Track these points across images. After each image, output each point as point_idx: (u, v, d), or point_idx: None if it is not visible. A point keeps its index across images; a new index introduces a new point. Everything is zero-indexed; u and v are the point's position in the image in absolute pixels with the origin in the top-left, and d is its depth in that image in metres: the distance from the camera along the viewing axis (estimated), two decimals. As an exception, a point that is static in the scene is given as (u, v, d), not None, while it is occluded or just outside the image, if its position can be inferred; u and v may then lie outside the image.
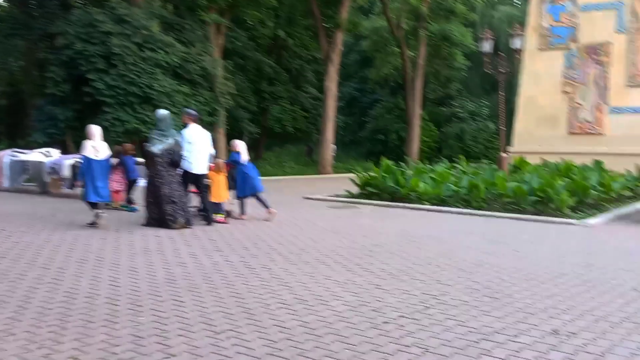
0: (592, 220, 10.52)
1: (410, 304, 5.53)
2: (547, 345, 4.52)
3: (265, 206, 10.80)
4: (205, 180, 10.36)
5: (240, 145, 11.05)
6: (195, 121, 10.35)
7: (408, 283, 6.28)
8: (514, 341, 4.59)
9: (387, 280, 6.37)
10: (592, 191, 11.96)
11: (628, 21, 19.28)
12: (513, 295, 5.85)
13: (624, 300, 5.73)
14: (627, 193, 13.29)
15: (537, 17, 20.89)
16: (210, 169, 10.43)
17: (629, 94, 19.30)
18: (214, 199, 10.46)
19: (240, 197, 10.91)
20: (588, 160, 15.98)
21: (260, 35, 33.67)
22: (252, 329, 4.77)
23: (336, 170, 27.60)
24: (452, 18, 31.86)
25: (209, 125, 19.45)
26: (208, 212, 10.18)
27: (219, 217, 10.36)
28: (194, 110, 11.35)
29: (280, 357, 4.19)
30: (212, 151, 10.66)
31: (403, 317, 5.14)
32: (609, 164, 15.68)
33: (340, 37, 27.36)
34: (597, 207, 11.81)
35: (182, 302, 5.49)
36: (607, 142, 19.14)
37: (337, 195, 14.55)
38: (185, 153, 9.87)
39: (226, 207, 10.83)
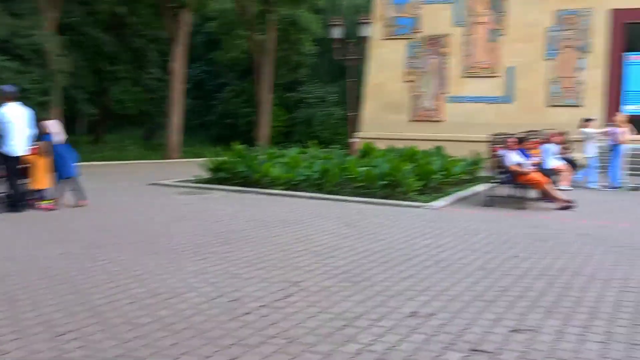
0: (437, 203, 11.00)
1: (271, 292, 5.33)
2: (408, 327, 4.54)
3: (78, 194, 10.11)
4: (23, 164, 9.49)
5: (53, 126, 10.17)
6: (12, 99, 9.39)
7: (266, 271, 6.07)
8: (376, 325, 4.56)
9: (245, 269, 6.12)
10: (436, 175, 12.54)
11: (465, 15, 20.51)
12: (371, 279, 5.86)
13: (473, 280, 5.96)
14: (466, 177, 14.13)
15: (382, 7, 21.60)
16: (32, 151, 9.53)
17: (466, 84, 20.61)
18: (35, 185, 9.60)
19: (60, 180, 10.12)
20: (430, 146, 16.82)
21: (100, 10, 31.52)
22: (99, 328, 4.30)
23: (184, 154, 26.73)
24: (300, 3, 32.04)
25: (41, 106, 17.83)
26: (17, 198, 9.33)
27: (45, 203, 9.52)
28: (11, 86, 10.17)
29: (133, 357, 3.79)
30: (32, 131, 9.72)
31: (264, 306, 4.93)
32: (449, 149, 16.64)
33: (187, 17, 26.40)
34: (440, 191, 12.40)
35: (16, 301, 4.85)
36: (446, 128, 20.32)
37: (186, 181, 13.99)
38: (3, 134, 8.95)
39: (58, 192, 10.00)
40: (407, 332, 4.45)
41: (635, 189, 13.44)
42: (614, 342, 4.36)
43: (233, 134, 33.14)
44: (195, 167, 15.10)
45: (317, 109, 35.89)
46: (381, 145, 17.73)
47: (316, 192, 12.11)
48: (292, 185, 12.69)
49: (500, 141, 11.56)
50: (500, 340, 4.33)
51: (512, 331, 4.53)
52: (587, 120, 14.71)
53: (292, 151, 16.35)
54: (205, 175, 14.10)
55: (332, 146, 22.88)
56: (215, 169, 13.85)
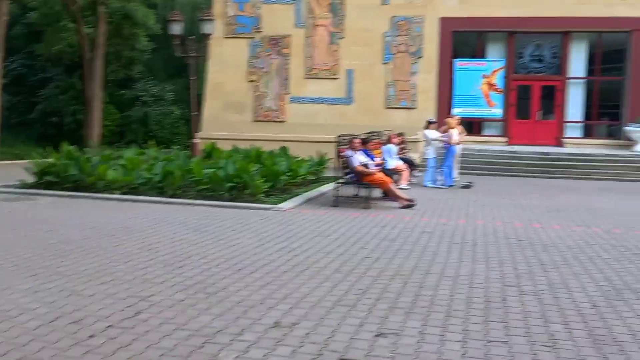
0: (286, 205, 10.88)
1: (118, 310, 4.80)
2: (273, 339, 4.30)
3: None
4: None
5: None
6: None
7: (111, 285, 5.50)
8: (239, 340, 4.27)
9: (86, 284, 5.49)
10: (283, 177, 12.44)
11: (305, 16, 20.73)
12: (228, 289, 5.53)
13: (331, 283, 5.85)
14: (311, 177, 14.20)
15: (222, 4, 21.17)
16: None
17: (307, 84, 20.84)
18: None
19: None
20: (274, 146, 16.74)
21: None
22: None
23: (3, 156, 24.21)
24: (133, -4, 30.49)
25: None
26: None
27: None
28: None
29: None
30: None
31: (111, 327, 4.41)
32: (292, 150, 16.68)
33: (3, 6, 23.92)
34: (286, 192, 12.32)
35: None
36: (289, 128, 20.39)
37: (8, 186, 12.55)
38: None
39: None
40: (272, 345, 4.20)
41: (466, 186, 14.35)
42: (472, 340, 4.44)
43: (59, 134, 30.74)
44: (18, 170, 13.61)
45: (153, 108, 34.40)
46: (224, 146, 17.34)
47: (158, 196, 11.46)
48: (131, 189, 11.90)
49: (345, 142, 11.71)
50: (366, 347, 4.24)
51: (377, 335, 4.47)
52: (431, 122, 15.46)
53: (130, 152, 15.40)
54: (30, 179, 12.76)
55: (173, 147, 22.03)
56: (42, 173, 12.58)
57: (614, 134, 20.91)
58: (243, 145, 17.10)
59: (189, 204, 10.90)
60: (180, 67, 29.37)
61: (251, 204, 10.84)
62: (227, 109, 21.06)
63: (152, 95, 34.89)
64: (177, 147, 21.56)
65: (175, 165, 12.43)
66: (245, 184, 11.33)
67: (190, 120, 20.57)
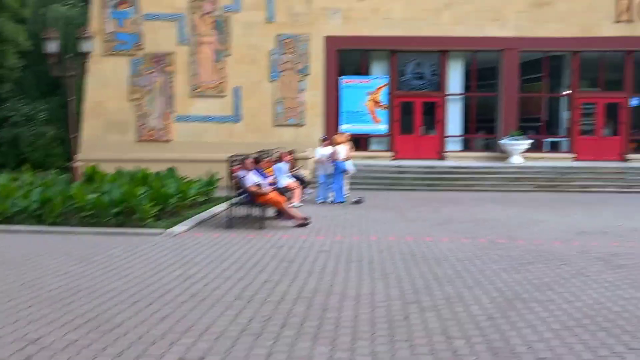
0: (177, 229, 10.51)
1: (6, 356, 4.37)
2: (179, 379, 4.07)
3: None
4: None
5: None
6: None
7: (-9, 329, 5.00)
8: (141, 382, 3.99)
9: (-39, 330, 4.95)
10: (172, 199, 12.02)
11: (189, 34, 20.31)
12: (124, 324, 5.20)
13: (234, 311, 5.69)
14: (202, 198, 13.84)
15: (100, 21, 20.29)
16: None
17: (193, 102, 20.37)
18: None
19: None
20: (160, 167, 16.19)
21: None
22: None
23: None
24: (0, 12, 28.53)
25: None
26: None
27: None
28: None
29: None
30: None
31: (-5, 379, 3.98)
32: (180, 170, 16.21)
33: None
34: (176, 215, 11.91)
35: None
36: (175, 148, 19.82)
37: None
38: None
39: None
40: (178, 384, 3.97)
41: (357, 202, 14.58)
42: (382, 362, 4.45)
43: None
44: None
45: (24, 129, 32.27)
46: (106, 168, 16.57)
47: (37, 225, 10.70)
48: (6, 218, 11.05)
49: (238, 162, 11.52)
50: (278, 378, 4.11)
51: (287, 365, 4.35)
52: (324, 139, 15.59)
53: (2, 178, 14.32)
54: None
55: (50, 170, 20.75)
56: None
57: (491, 147, 22.16)
58: (127, 167, 16.40)
59: (71, 232, 10.25)
60: (54, 84, 27.80)
61: (140, 229, 10.38)
62: (109, 129, 20.15)
63: (23, 115, 32.70)
64: (55, 170, 20.28)
65: (54, 191, 11.67)
66: (132, 209, 10.83)
67: (66, 141, 19.44)
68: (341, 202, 14.61)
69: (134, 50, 20.29)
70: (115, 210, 10.83)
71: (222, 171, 13.65)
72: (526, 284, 6.84)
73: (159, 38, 20.24)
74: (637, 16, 20.58)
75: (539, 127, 22.40)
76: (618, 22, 20.64)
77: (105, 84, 20.17)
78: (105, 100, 20.20)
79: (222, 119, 20.36)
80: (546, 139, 22.34)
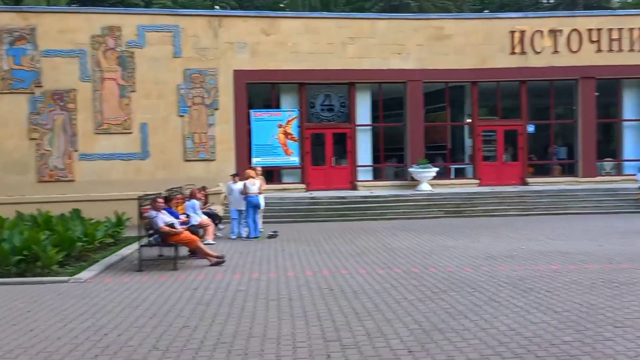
0: (85, 275, 10.02)
1: None
2: None
3: None
4: None
5: None
6: None
7: None
8: None
9: None
10: (79, 243, 11.47)
11: (92, 70, 19.70)
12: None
13: (150, 363, 5.43)
14: (109, 240, 13.29)
15: (-6, 58, 19.36)
16: None
17: (97, 140, 19.68)
18: None
19: None
20: (64, 208, 15.44)
21: None
22: None
23: None
24: None
25: None
26: None
27: None
28: None
29: None
30: None
31: None
32: (85, 211, 15.45)
33: None
34: (83, 259, 11.37)
35: None
36: (80, 188, 19.01)
37: None
38: None
39: None
40: None
41: (272, 236, 14.48)
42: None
43: None
44: None
45: None
46: (4, 212, 15.59)
47: None
48: None
49: (148, 202, 11.17)
50: None
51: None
52: (234, 175, 15.48)
53: None
54: None
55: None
56: None
57: (401, 175, 22.75)
58: (28, 210, 15.57)
59: (-32, 284, 9.54)
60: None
61: (45, 277, 9.81)
62: (6, 170, 19.09)
63: None
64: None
65: (-53, 240, 10.84)
66: (35, 256, 10.22)
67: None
68: (256, 237, 14.47)
69: (33, 87, 19.44)
70: (17, 258, 10.18)
71: (130, 210, 13.18)
72: (442, 313, 6.98)
73: (59, 75, 19.52)
74: (529, 48, 21.94)
75: (445, 155, 23.26)
76: (512, 53, 21.92)
77: (2, 123, 19.19)
78: (3, 139, 19.19)
79: (128, 156, 19.80)
80: (452, 166, 23.22)
